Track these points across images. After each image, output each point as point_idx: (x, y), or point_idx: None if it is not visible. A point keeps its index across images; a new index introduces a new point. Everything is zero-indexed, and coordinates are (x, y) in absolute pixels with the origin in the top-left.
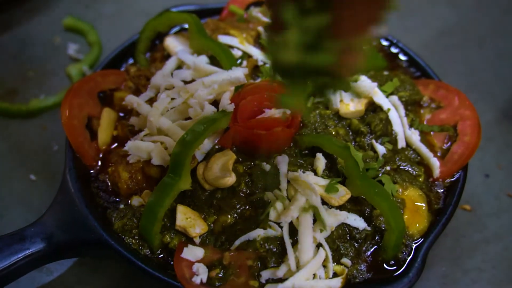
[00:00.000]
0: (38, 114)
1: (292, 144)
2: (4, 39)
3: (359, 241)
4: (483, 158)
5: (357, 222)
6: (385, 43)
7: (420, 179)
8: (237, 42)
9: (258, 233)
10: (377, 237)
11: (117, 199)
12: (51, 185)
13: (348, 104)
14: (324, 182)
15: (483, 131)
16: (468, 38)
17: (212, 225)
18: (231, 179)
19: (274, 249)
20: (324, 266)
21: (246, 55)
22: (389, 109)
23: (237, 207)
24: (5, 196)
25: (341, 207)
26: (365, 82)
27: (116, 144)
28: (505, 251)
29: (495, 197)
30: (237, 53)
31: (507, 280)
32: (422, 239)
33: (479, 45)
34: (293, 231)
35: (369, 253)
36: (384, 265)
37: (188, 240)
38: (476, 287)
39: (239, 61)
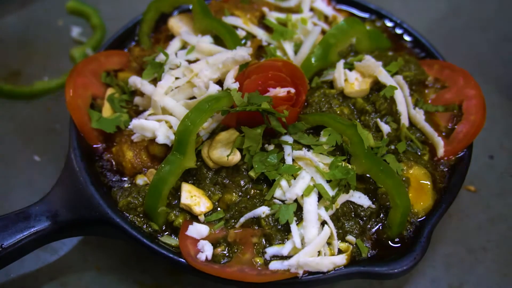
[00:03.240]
0: (42, 95)
1: (296, 123)
2: (8, 21)
3: (364, 218)
4: (487, 140)
5: (362, 199)
6: (389, 24)
7: (425, 157)
8: (241, 23)
9: (263, 210)
10: (381, 215)
11: (122, 178)
12: (55, 166)
13: (352, 83)
14: (328, 160)
15: (487, 114)
16: (472, 21)
17: (217, 203)
18: (235, 158)
19: (279, 226)
20: (329, 243)
21: (250, 36)
22: (394, 87)
23: (242, 185)
24: (10, 176)
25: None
26: (369, 61)
27: None
28: (509, 230)
29: (500, 178)
30: (241, 33)
31: (511, 259)
32: (427, 217)
33: (483, 28)
34: (298, 208)
35: (373, 230)
36: (389, 242)
37: (193, 218)
38: (480, 267)
39: (243, 41)
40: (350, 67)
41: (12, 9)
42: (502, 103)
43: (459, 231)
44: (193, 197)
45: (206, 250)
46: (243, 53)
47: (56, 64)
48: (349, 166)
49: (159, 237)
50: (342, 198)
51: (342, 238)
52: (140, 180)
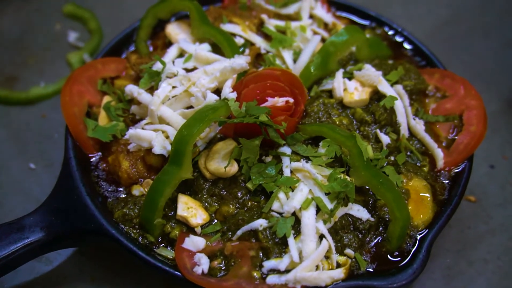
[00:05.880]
0: (38, 102)
1: (295, 134)
2: (4, 26)
3: (363, 231)
4: (488, 149)
5: (361, 212)
6: (389, 32)
7: (424, 169)
8: (240, 30)
9: (260, 223)
10: (381, 228)
11: (118, 189)
12: (50, 173)
13: (352, 93)
14: (327, 172)
15: (488, 122)
16: (474, 27)
17: (213, 214)
18: (233, 169)
19: (277, 240)
20: (327, 257)
21: (248, 43)
22: (394, 98)
23: (239, 196)
24: (4, 184)
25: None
26: (369, 71)
27: None
28: (510, 242)
29: (501, 188)
30: (239, 41)
31: None
32: (427, 230)
33: (484, 34)
34: (296, 221)
35: (372, 244)
36: (388, 256)
37: (189, 230)
38: (481, 279)
39: (241, 49)
40: (349, 76)
41: (8, 12)
42: (503, 111)
43: (459, 242)
44: (190, 209)
45: (203, 263)
46: (241, 61)
47: (53, 69)
48: (348, 179)
49: (155, 249)
50: (341, 211)
51: (340, 251)
52: (136, 190)
